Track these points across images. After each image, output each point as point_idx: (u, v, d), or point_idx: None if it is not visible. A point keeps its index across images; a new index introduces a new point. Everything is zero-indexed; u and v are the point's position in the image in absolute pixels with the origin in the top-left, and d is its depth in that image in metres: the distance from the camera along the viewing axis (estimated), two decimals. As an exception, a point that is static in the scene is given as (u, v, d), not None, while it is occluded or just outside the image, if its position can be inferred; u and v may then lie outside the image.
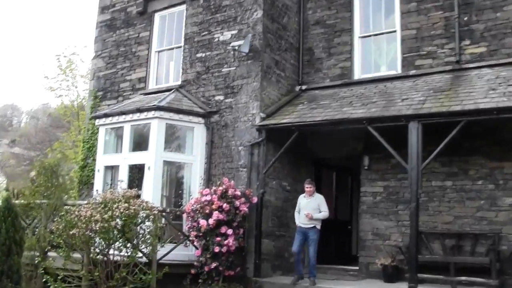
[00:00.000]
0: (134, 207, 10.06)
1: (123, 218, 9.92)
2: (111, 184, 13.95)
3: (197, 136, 13.56)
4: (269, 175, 12.82)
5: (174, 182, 14.17)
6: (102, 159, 14.24)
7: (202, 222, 11.35)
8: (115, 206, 9.97)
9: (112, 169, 14.24)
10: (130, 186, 12.86)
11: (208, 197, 11.62)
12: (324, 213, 11.50)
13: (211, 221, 11.30)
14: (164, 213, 11.82)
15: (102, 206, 10.09)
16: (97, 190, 12.80)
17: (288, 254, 13.42)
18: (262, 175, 12.47)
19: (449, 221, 12.08)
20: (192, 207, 11.79)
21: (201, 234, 11.49)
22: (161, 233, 11.14)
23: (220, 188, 11.75)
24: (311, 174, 14.18)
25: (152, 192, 12.73)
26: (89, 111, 16.50)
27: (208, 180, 13.20)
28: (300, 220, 11.54)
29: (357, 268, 13.02)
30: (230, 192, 11.69)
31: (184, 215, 12.00)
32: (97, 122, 14.60)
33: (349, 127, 11.76)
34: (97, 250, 10.07)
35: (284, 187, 13.53)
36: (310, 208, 11.41)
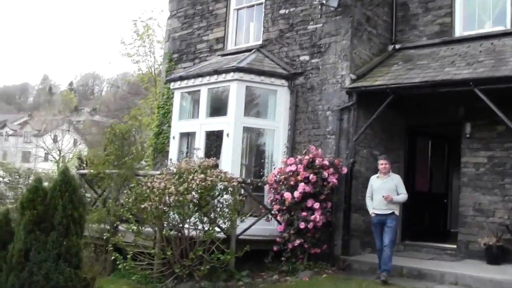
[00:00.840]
0: (211, 178, 9.05)
1: (199, 191, 8.93)
2: (187, 153, 13.07)
3: (280, 100, 12.41)
4: (360, 143, 11.53)
5: (255, 151, 13.11)
6: (178, 126, 13.34)
7: (287, 194, 10.24)
8: (190, 177, 9.00)
9: (188, 136, 13.34)
10: (207, 154, 11.91)
11: (293, 167, 10.48)
12: (404, 195, 9.66)
13: (296, 193, 10.17)
14: (244, 185, 10.78)
15: (177, 177, 9.13)
16: (171, 159, 11.87)
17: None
18: (352, 143, 11.20)
19: None
20: (275, 178, 10.68)
21: (284, 208, 10.39)
22: (240, 206, 10.12)
23: (306, 157, 10.56)
24: (404, 142, 12.81)
25: (231, 161, 11.74)
26: (164, 75, 15.59)
27: (293, 149, 12.06)
28: (375, 205, 9.65)
29: (455, 246, 11.66)
30: (317, 161, 10.47)
31: (266, 187, 10.90)
32: (172, 85, 13.68)
33: (452, 89, 10.25)
34: (171, 226, 9.13)
35: (376, 156, 12.17)
36: (387, 189, 9.56)
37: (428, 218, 13.08)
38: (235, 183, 9.49)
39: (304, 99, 12.21)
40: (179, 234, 9.22)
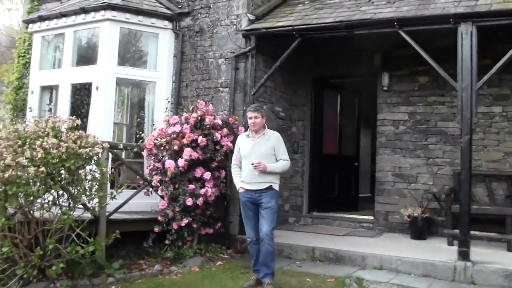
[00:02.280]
0: (67, 144, 6.77)
1: (50, 161, 6.65)
2: (49, 110, 10.61)
3: (162, 45, 10.16)
4: (259, 98, 9.56)
5: (132, 108, 10.91)
6: (38, 77, 10.79)
7: (169, 163, 8.10)
8: (38, 143, 6.68)
9: (51, 91, 10.85)
10: (75, 114, 9.59)
11: (177, 128, 8.34)
12: (284, 162, 6.80)
13: (181, 161, 8.07)
14: (115, 150, 8.56)
15: (20, 143, 6.79)
16: (27, 120, 9.39)
17: (282, 201, 10.41)
18: (251, 97, 9.17)
19: (497, 159, 9.14)
20: (155, 141, 8.51)
21: (167, 179, 8.28)
22: (110, 179, 7.96)
23: (194, 114, 8.45)
24: (310, 97, 10.97)
25: (102, 121, 9.46)
26: (26, 17, 12.85)
27: (178, 105, 9.92)
28: (244, 178, 6.85)
29: (372, 218, 10.11)
30: (207, 120, 8.37)
31: (145, 153, 8.67)
32: (31, 28, 11.06)
33: (372, 31, 8.40)
34: (15, 208, 6.80)
35: (278, 113, 10.32)
36: (260, 154, 6.69)
37: (338, 185, 11.39)
38: (99, 150, 7.24)
39: (191, 45, 10.05)
40: (27, 218, 6.91)
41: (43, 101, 10.75)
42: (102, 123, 9.42)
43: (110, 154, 8.32)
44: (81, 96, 10.70)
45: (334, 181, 11.28)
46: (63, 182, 7.04)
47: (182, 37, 10.11)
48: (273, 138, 6.83)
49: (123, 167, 9.84)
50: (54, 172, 6.78)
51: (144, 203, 9.13)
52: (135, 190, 8.89)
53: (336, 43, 9.99)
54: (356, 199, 11.86)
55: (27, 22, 11.29)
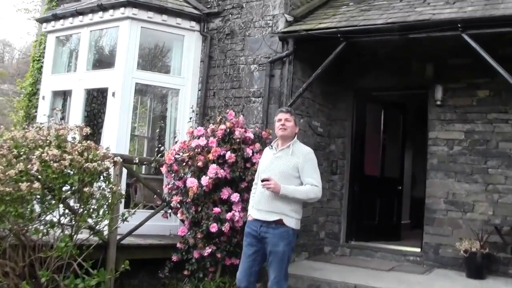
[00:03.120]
0: (70, 157, 5.68)
1: (51, 175, 5.56)
2: (62, 119, 9.58)
3: (188, 49, 9.09)
4: (295, 110, 8.38)
5: (154, 118, 9.85)
6: (50, 82, 9.79)
7: (191, 181, 6.92)
8: (37, 153, 5.60)
9: (64, 96, 9.86)
10: (90, 123, 8.62)
11: (202, 141, 7.19)
12: (311, 188, 5.08)
13: (205, 180, 6.89)
14: (131, 165, 7.44)
15: (15, 152, 5.72)
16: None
17: (318, 227, 9.22)
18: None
19: None
20: (176, 156, 7.37)
21: (188, 200, 7.11)
22: (127, 196, 6.87)
23: (222, 126, 7.29)
24: (351, 111, 9.77)
25: (117, 131, 8.39)
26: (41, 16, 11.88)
27: (203, 115, 8.80)
28: (254, 202, 5.39)
29: (419, 250, 8.84)
30: (237, 133, 7.19)
31: (164, 169, 7.51)
32: (44, 27, 10.09)
33: (432, 34, 7.19)
34: (7, 230, 5.71)
35: (315, 128, 9.12)
36: (275, 172, 5.13)
37: (380, 211, 10.11)
38: (111, 164, 6.13)
39: (220, 49, 8.95)
40: (21, 242, 5.82)
41: (55, 107, 9.72)
42: (117, 134, 8.35)
43: (124, 170, 7.23)
44: (98, 104, 9.73)
45: (375, 206, 10.01)
46: (66, 201, 5.97)
47: (211, 40, 9.02)
48: (300, 155, 5.15)
49: (139, 184, 8.77)
50: (55, 188, 5.70)
51: (161, 225, 8.03)
52: (152, 211, 7.78)
53: (382, 51, 8.85)
54: (399, 227, 10.55)
55: (41, 21, 10.32)
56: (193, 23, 9.06)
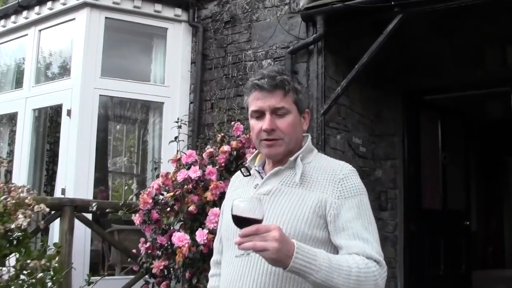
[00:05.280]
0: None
1: None
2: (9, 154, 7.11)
3: (173, 46, 6.55)
4: (329, 122, 5.82)
5: (126, 143, 7.27)
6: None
7: (180, 238, 4.18)
8: None
9: (11, 123, 7.34)
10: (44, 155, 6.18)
11: (195, 171, 4.48)
12: (368, 264, 1.88)
13: (202, 234, 4.11)
14: (81, 214, 4.83)
15: None
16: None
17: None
18: (320, 119, 5.44)
19: None
20: (157, 198, 4.72)
21: (176, 266, 4.43)
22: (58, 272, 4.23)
23: (225, 148, 4.58)
24: (400, 121, 7.14)
25: (75, 163, 5.82)
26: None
27: (198, 133, 6.20)
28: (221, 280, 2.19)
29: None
30: (248, 156, 4.54)
31: (137, 218, 4.80)
32: (-17, 33, 7.61)
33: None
34: None
35: (357, 147, 6.48)
36: (275, 218, 2.02)
37: (444, 255, 7.41)
38: (26, 218, 3.51)
39: (218, 43, 6.39)
40: None
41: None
42: (75, 168, 5.78)
43: (81, 223, 4.65)
44: (54, 128, 7.15)
45: (439, 250, 7.31)
46: None
47: (204, 33, 6.47)
48: (326, 182, 2.06)
49: (114, 235, 6.18)
50: None
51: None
52: (131, 277, 5.20)
53: (442, 34, 6.32)
54: (469, 276, 7.83)
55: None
56: (179, 11, 6.52)
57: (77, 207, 4.70)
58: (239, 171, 2.35)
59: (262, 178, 2.18)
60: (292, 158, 2.12)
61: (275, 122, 2.09)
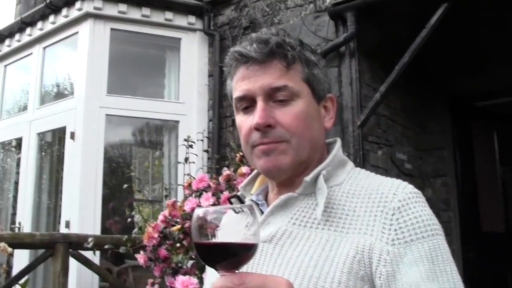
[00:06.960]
0: None
1: None
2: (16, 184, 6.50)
3: (188, 58, 5.85)
4: (368, 135, 5.00)
5: (141, 167, 6.60)
6: (-5, 129, 6.72)
7: (184, 283, 3.41)
8: None
9: (19, 148, 6.74)
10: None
11: (207, 198, 3.77)
12: None
13: None
14: (73, 251, 4.11)
15: None
16: None
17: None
18: (356, 131, 4.64)
19: None
20: (165, 231, 3.97)
21: (187, 316, 3.66)
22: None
23: (244, 169, 3.80)
24: (449, 132, 6.25)
25: (79, 191, 5.14)
26: None
27: (219, 155, 5.45)
28: None
29: None
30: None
31: (141, 257, 4.06)
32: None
33: None
34: None
35: (401, 164, 5.63)
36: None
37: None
38: None
39: (238, 51, 5.69)
40: None
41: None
42: (79, 198, 5.09)
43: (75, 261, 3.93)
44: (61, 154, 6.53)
45: (505, 281, 6.36)
46: None
47: (221, 41, 5.77)
48: (371, 217, 1.16)
49: (128, 274, 5.45)
50: None
51: None
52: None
53: (494, 28, 5.46)
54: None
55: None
56: (192, 19, 5.83)
57: (71, 244, 3.99)
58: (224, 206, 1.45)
59: (263, 213, 1.32)
60: (309, 178, 1.24)
61: (273, 113, 1.24)
